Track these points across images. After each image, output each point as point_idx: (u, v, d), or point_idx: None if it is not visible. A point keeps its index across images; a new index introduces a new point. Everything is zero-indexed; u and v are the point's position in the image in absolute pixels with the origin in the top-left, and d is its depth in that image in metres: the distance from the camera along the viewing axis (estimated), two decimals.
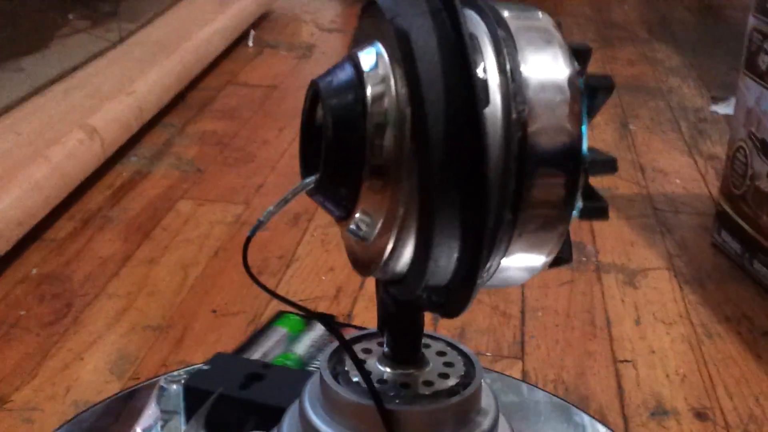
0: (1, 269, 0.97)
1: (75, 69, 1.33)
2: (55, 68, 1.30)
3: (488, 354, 0.89)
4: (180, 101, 1.49)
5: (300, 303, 0.95)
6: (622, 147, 1.45)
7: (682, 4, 2.51)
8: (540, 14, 0.45)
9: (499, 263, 0.43)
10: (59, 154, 1.07)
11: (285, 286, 0.99)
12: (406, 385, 0.48)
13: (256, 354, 0.76)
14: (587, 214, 0.44)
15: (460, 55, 0.39)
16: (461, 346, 0.51)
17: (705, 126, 1.55)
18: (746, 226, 1.04)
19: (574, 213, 0.43)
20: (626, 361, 0.89)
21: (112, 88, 1.27)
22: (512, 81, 0.40)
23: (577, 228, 1.16)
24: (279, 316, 0.81)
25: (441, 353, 0.51)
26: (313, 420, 0.48)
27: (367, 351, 0.50)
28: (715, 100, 1.67)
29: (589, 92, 0.44)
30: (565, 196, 0.42)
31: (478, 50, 0.40)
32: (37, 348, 0.85)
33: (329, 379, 0.48)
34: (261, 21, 1.99)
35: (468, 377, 0.49)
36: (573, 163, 0.42)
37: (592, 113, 0.44)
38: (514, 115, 0.40)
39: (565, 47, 0.44)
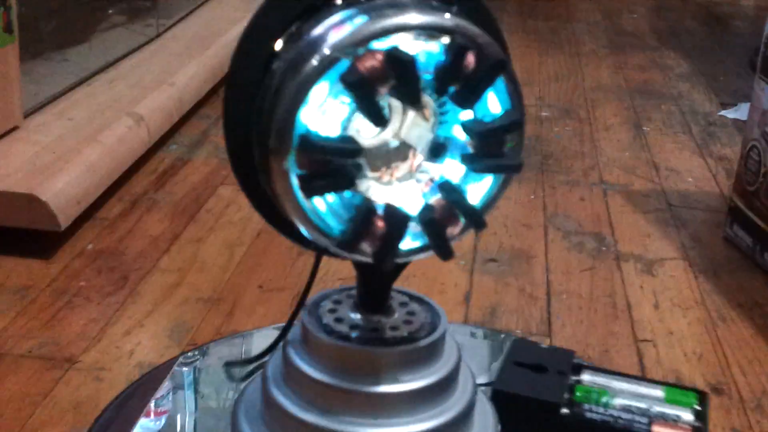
0: (60, 244, 1.03)
1: (117, 61, 1.39)
2: (99, 60, 1.37)
3: (518, 331, 0.95)
4: (213, 94, 1.55)
5: (339, 281, 1.01)
6: (636, 146, 1.51)
7: (690, 14, 2.59)
8: None
9: None
10: (110, 138, 1.13)
11: (325, 265, 1.05)
12: (375, 329, 0.55)
13: None
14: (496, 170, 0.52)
15: None
16: (428, 300, 0.59)
17: (714, 129, 1.61)
18: (758, 221, 1.11)
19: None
20: (647, 340, 0.95)
21: (153, 80, 1.33)
22: None
23: (597, 219, 1.22)
24: None
25: (404, 304, 0.58)
26: (296, 363, 0.55)
27: (338, 302, 0.58)
28: (724, 105, 1.73)
29: None
30: None
31: None
32: (100, 315, 0.91)
33: (311, 324, 0.55)
34: None
35: (432, 325, 0.56)
36: None
37: None
38: None
39: None
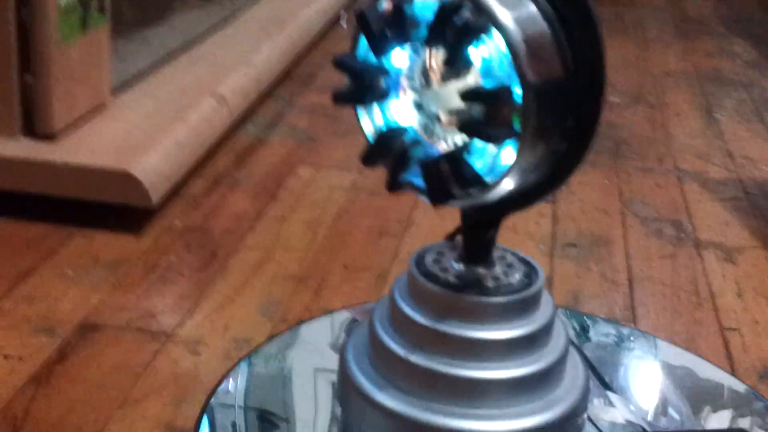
0: (148, 219, 1.05)
1: (195, 41, 1.41)
2: (178, 39, 1.38)
3: (602, 317, 0.95)
4: (287, 76, 1.56)
5: None
6: (709, 134, 1.50)
7: (756, 1, 2.55)
8: None
9: None
10: (196, 117, 1.15)
11: (406, 247, 1.06)
12: (476, 279, 0.59)
13: None
14: None
15: None
16: (526, 257, 0.63)
17: None
18: None
19: None
20: (732, 329, 0.95)
21: (233, 60, 1.35)
22: None
23: (673, 206, 1.22)
24: None
25: (503, 259, 0.62)
26: (402, 308, 0.59)
27: (441, 254, 0.63)
28: None
29: None
30: None
31: None
32: (192, 289, 0.93)
33: (416, 273, 0.59)
34: (353, 3, 2.06)
35: (530, 277, 0.60)
36: None
37: None
38: None
39: None
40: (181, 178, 1.10)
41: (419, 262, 0.62)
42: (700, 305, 0.99)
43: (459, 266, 0.61)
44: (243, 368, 0.78)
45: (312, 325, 0.86)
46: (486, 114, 0.52)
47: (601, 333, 0.88)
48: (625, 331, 0.90)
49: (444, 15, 0.51)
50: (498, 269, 0.61)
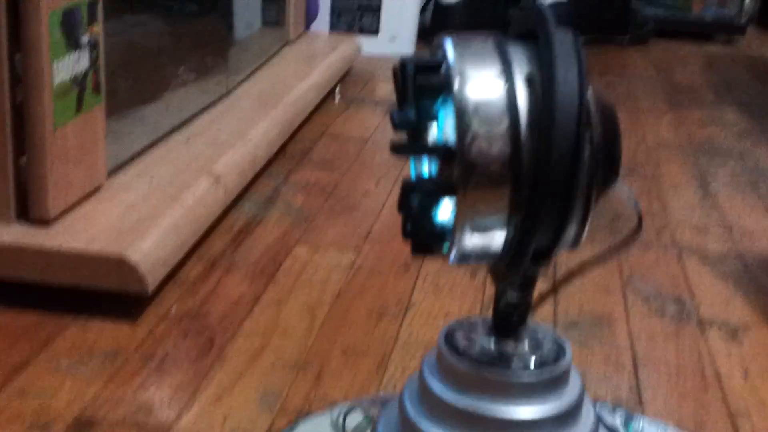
0: (144, 307, 1.04)
1: (191, 118, 1.40)
2: (174, 118, 1.38)
3: (608, 401, 0.93)
4: (281, 151, 1.56)
5: (423, 345, 1.01)
6: (706, 206, 1.50)
7: (743, 67, 2.58)
8: None
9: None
10: (191, 199, 1.14)
11: (407, 330, 1.04)
12: (502, 354, 0.59)
13: None
14: None
15: None
16: (553, 332, 0.63)
17: None
18: None
19: None
20: (741, 414, 0.93)
21: (228, 137, 1.35)
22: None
23: (675, 282, 1.21)
24: None
25: (535, 335, 0.62)
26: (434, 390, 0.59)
27: (472, 329, 0.62)
28: None
29: None
30: None
31: None
32: (190, 380, 0.91)
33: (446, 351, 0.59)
34: (344, 77, 2.08)
35: (559, 355, 0.60)
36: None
37: None
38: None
39: None
40: (177, 262, 1.09)
41: (449, 336, 0.62)
42: (707, 388, 0.97)
43: (488, 341, 0.61)
44: None
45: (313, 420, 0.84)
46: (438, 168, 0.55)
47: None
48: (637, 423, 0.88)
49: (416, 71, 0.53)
50: (527, 345, 0.61)
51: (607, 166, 0.55)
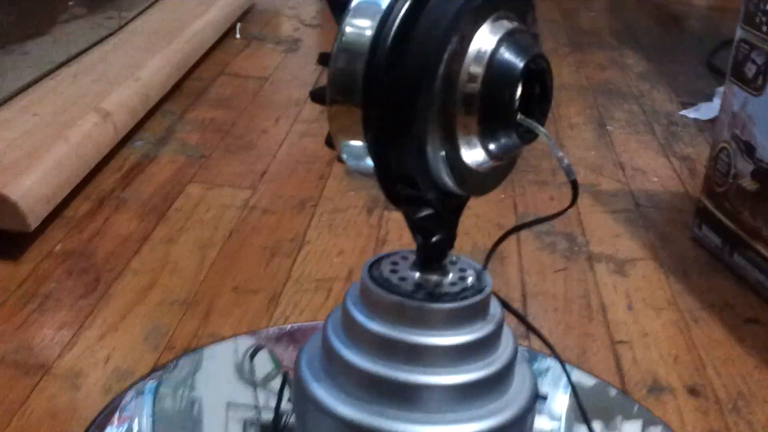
0: (27, 245, 1.00)
1: (80, 54, 1.35)
2: (61, 53, 1.33)
3: None
4: (177, 89, 1.52)
5: (315, 283, 1.00)
6: (601, 146, 1.52)
7: (645, 13, 2.62)
8: None
9: None
10: (77, 135, 1.10)
11: (300, 267, 1.04)
12: (427, 286, 0.60)
13: None
14: None
15: None
16: (476, 265, 0.63)
17: (676, 129, 1.63)
18: (727, 222, 1.12)
19: None
20: (623, 342, 0.96)
21: (118, 74, 1.30)
22: None
23: (567, 220, 1.23)
24: None
25: (460, 268, 0.63)
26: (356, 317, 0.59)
27: (395, 263, 0.62)
28: (685, 105, 1.76)
29: None
30: None
31: None
32: (73, 318, 0.89)
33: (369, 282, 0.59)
34: (246, 14, 2.03)
35: (480, 285, 0.61)
36: None
37: None
38: None
39: None
40: (62, 200, 1.06)
41: (373, 268, 0.62)
42: (592, 319, 1.00)
43: (413, 274, 0.61)
44: (131, 402, 0.75)
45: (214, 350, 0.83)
46: None
47: None
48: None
49: None
50: (451, 277, 0.61)
51: (492, 107, 0.54)
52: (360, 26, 0.51)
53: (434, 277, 0.61)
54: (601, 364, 0.92)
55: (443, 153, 0.52)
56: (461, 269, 0.63)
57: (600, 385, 0.86)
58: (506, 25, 0.53)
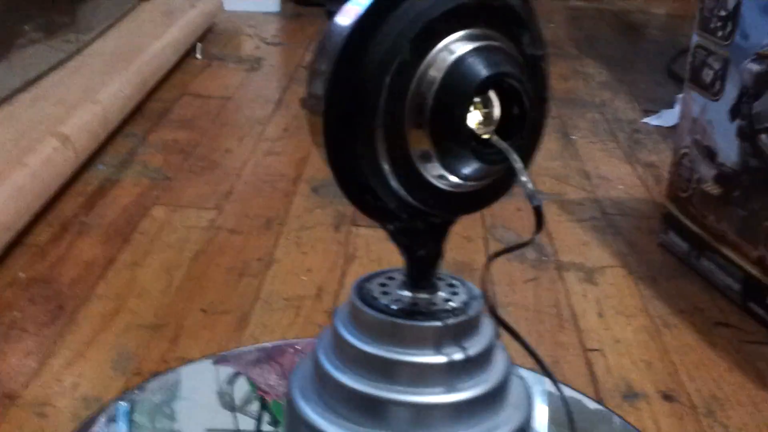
0: None
1: (38, 78, 1.34)
2: (19, 77, 1.31)
3: None
4: (137, 112, 1.51)
5: (284, 302, 0.99)
6: (566, 155, 1.53)
7: (605, 22, 2.64)
8: None
9: None
10: (37, 160, 1.08)
11: (268, 287, 1.02)
12: (416, 304, 0.58)
13: None
14: None
15: None
16: (468, 283, 0.61)
17: (639, 136, 1.64)
18: (693, 226, 1.13)
19: None
20: (595, 350, 0.96)
21: (77, 97, 1.29)
22: None
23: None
24: None
25: (450, 285, 0.61)
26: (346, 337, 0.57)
27: (384, 284, 0.61)
28: (647, 112, 1.77)
29: None
30: None
31: None
32: (38, 347, 0.87)
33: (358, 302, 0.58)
34: (206, 34, 2.02)
35: (471, 304, 0.59)
36: None
37: None
38: None
39: None
40: (23, 227, 1.04)
41: (361, 288, 0.61)
42: (563, 328, 1.00)
43: (403, 293, 0.60)
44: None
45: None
46: None
47: None
48: None
49: None
50: (441, 294, 0.60)
51: (443, 123, 0.53)
52: (334, 32, 0.51)
53: (424, 295, 0.60)
54: (574, 372, 0.92)
55: (391, 166, 0.52)
56: (451, 285, 0.62)
57: (576, 397, 0.85)
58: (479, 41, 0.52)
